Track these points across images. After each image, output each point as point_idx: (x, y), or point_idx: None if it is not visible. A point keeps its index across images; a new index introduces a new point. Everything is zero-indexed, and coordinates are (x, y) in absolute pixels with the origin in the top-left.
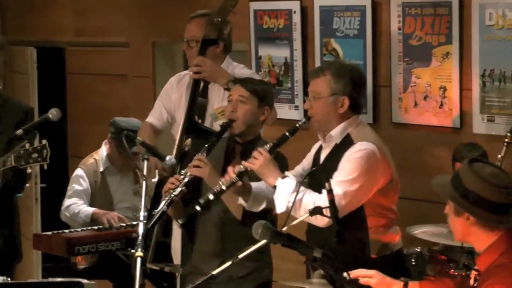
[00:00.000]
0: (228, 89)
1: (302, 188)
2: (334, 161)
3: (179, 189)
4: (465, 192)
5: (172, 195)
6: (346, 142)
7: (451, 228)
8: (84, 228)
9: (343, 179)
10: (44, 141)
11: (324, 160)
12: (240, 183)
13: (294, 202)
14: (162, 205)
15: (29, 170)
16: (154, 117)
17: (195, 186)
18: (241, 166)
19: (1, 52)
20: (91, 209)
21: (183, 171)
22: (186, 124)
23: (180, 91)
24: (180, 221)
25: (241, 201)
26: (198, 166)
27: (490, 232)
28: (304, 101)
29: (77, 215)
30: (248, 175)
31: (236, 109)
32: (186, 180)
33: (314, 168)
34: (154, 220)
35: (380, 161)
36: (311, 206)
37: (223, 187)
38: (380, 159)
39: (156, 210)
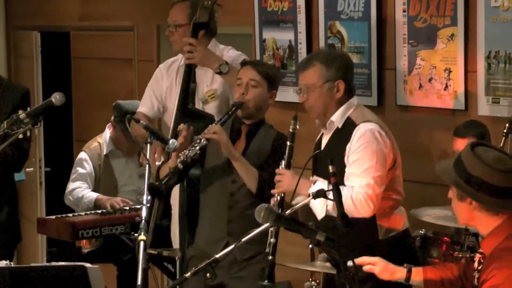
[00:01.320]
0: (220, 73)
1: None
2: (337, 145)
3: (196, 149)
4: (468, 177)
5: (188, 155)
6: (348, 125)
7: (455, 212)
8: (88, 212)
9: (366, 167)
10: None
11: (326, 145)
12: (287, 212)
13: (332, 204)
14: (178, 162)
15: (20, 136)
16: (145, 107)
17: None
18: (275, 197)
19: None
20: (94, 195)
21: (196, 137)
22: (180, 109)
23: (170, 78)
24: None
25: None
26: (214, 133)
27: (494, 216)
28: (296, 93)
29: (80, 200)
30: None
31: (246, 92)
32: (202, 143)
33: (316, 152)
34: (168, 179)
35: (385, 138)
36: (349, 201)
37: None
38: (384, 136)
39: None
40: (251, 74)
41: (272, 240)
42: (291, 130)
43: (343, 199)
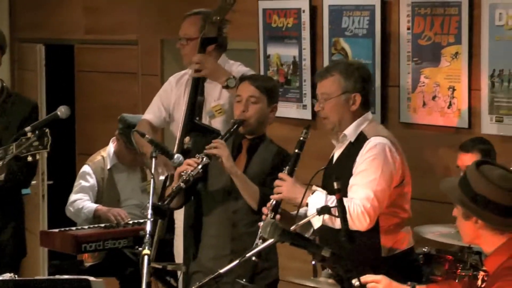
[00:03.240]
0: (227, 87)
1: (333, 197)
2: (348, 159)
3: (198, 167)
4: (474, 196)
5: (190, 174)
6: (361, 140)
7: (460, 231)
8: (91, 226)
9: (369, 180)
10: (45, 129)
11: (337, 160)
12: (278, 216)
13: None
14: (180, 181)
15: (29, 159)
16: (152, 115)
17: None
18: (271, 201)
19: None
20: (94, 205)
21: (198, 155)
22: (187, 122)
23: (179, 91)
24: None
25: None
26: (215, 148)
27: (500, 235)
28: (312, 103)
29: (80, 211)
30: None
31: (247, 109)
32: (204, 161)
33: (322, 168)
34: (170, 198)
35: (395, 154)
36: (348, 213)
37: None
38: (395, 152)
39: (173, 188)
40: (250, 91)
41: (260, 243)
42: (301, 138)
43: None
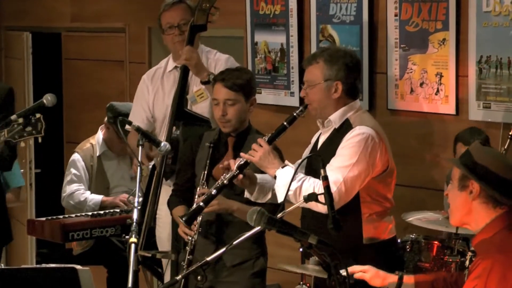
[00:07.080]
0: (207, 82)
1: (301, 175)
2: (332, 145)
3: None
4: (475, 165)
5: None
6: (345, 127)
7: (451, 204)
8: (79, 214)
9: (343, 165)
10: (38, 115)
11: (322, 145)
12: (241, 176)
13: (294, 190)
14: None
15: (22, 145)
16: (137, 122)
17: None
18: (241, 159)
19: None
20: (99, 197)
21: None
22: (175, 111)
23: (156, 86)
24: (185, 218)
25: (246, 194)
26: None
27: (492, 209)
28: (300, 89)
29: (84, 203)
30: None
31: (226, 112)
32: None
33: (310, 154)
34: (189, 217)
35: (378, 146)
36: (311, 192)
37: (225, 181)
38: (378, 144)
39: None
40: (225, 94)
41: (214, 192)
42: (295, 114)
43: (306, 188)
